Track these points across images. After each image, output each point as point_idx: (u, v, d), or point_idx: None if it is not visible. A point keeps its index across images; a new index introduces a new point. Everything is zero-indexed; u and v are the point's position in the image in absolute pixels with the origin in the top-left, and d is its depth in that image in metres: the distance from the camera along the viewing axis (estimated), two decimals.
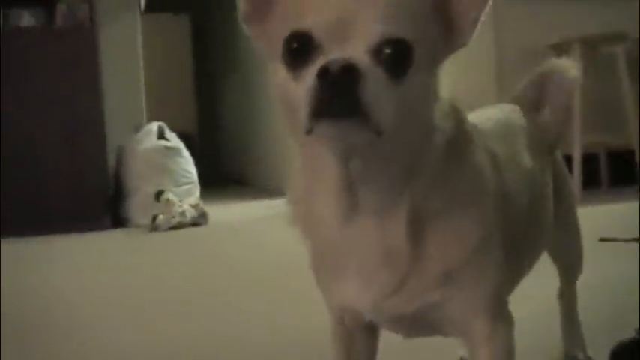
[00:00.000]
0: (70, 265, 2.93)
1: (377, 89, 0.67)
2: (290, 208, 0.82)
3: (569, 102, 1.20)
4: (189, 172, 4.09)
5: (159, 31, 7.63)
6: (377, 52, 0.69)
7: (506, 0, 3.83)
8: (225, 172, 7.55)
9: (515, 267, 0.90)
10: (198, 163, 4.33)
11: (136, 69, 4.44)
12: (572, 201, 1.17)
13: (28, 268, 2.80)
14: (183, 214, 3.69)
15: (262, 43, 0.78)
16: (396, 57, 0.69)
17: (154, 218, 3.67)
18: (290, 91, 0.71)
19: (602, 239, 2.33)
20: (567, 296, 1.26)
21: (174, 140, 4.12)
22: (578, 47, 3.64)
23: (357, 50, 0.69)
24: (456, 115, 0.79)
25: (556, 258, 1.19)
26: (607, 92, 3.88)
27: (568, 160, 3.56)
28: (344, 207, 0.75)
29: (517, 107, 1.12)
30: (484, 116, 1.02)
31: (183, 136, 6.82)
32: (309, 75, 0.67)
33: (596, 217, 2.82)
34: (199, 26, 8.31)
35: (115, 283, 2.44)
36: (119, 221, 3.98)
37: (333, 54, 0.68)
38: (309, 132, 0.67)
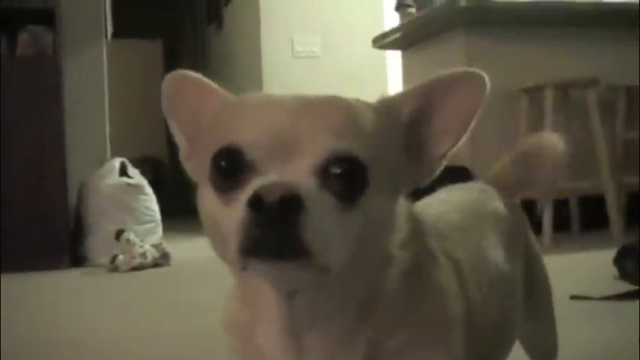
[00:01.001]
0: (25, 305, 2.79)
1: (323, 222, 0.55)
2: (225, 334, 0.71)
3: (557, 178, 1.11)
4: (151, 210, 3.97)
5: (130, 56, 7.55)
6: (323, 172, 0.57)
7: (478, 42, 3.80)
8: (195, 201, 7.42)
9: None
10: (167, 191, 4.23)
11: (100, 102, 4.33)
12: (546, 291, 1.09)
13: None
14: (144, 254, 3.56)
15: (193, 168, 0.68)
16: (347, 178, 0.58)
17: (114, 258, 3.53)
18: (219, 219, 0.59)
19: (573, 297, 2.25)
20: None
21: (137, 177, 4.00)
22: (550, 91, 3.61)
23: (299, 170, 0.57)
24: (416, 232, 0.69)
25: (529, 351, 1.11)
26: (578, 136, 3.85)
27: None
28: (289, 347, 0.64)
29: (489, 188, 1.03)
30: (450, 203, 0.93)
31: (153, 163, 6.73)
32: (240, 202, 0.56)
33: (567, 268, 2.76)
34: (172, 51, 8.23)
35: (70, 326, 2.32)
36: (78, 260, 3.83)
37: (269, 175, 0.56)
38: (243, 269, 0.56)
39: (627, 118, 4.01)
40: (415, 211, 0.73)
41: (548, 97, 3.62)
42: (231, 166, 0.59)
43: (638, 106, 4.03)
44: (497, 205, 0.99)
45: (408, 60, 4.42)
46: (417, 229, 0.71)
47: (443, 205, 0.92)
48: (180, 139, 0.71)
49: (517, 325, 0.93)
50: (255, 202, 0.54)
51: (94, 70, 4.35)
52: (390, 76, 5.34)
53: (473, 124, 0.65)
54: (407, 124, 0.65)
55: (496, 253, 0.88)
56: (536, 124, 3.69)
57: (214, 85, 0.71)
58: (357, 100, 0.64)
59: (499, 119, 3.57)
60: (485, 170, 1.12)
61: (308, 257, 0.54)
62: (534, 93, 3.73)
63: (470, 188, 1.03)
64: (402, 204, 0.68)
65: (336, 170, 0.58)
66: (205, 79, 0.71)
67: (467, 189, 1.03)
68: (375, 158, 0.60)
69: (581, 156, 3.87)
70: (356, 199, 0.58)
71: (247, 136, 0.59)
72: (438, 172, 0.67)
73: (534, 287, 1.00)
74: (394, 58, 5.05)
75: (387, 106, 0.65)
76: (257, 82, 5.31)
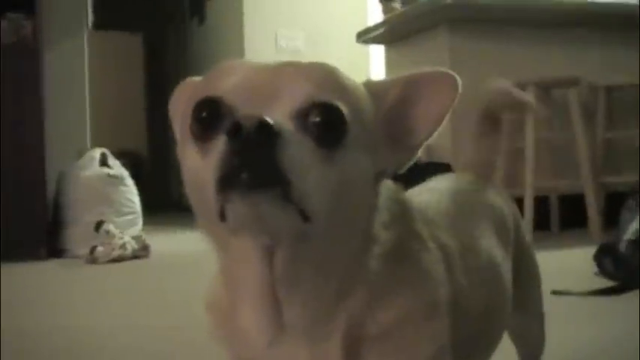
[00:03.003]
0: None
1: (300, 154, 0.56)
2: (207, 314, 0.71)
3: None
4: (132, 202, 3.94)
5: (111, 48, 7.47)
6: (302, 119, 0.58)
7: (461, 40, 3.81)
8: (175, 195, 7.38)
9: None
10: (146, 186, 4.20)
11: (81, 91, 4.29)
12: (536, 281, 1.09)
13: None
14: (123, 246, 3.53)
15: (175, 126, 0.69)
16: (326, 126, 0.59)
17: (93, 249, 3.50)
18: (200, 172, 0.58)
19: (554, 292, 2.27)
20: None
21: (117, 168, 3.96)
22: (533, 90, 3.63)
23: (277, 114, 0.57)
24: (403, 215, 0.70)
25: (516, 341, 1.11)
26: (559, 136, 3.88)
27: (519, 202, 3.54)
28: (269, 324, 0.64)
29: (475, 177, 1.04)
30: (439, 191, 0.93)
31: (133, 157, 6.68)
32: (220, 141, 0.56)
33: (548, 265, 2.77)
34: (153, 45, 8.17)
35: (46, 317, 2.29)
36: (56, 251, 3.79)
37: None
38: (221, 215, 0.55)
39: (607, 118, 4.05)
40: (402, 195, 0.74)
41: (530, 96, 3.63)
42: (210, 114, 0.59)
43: (617, 106, 4.07)
44: (487, 193, 1.00)
45: (391, 55, 4.42)
46: (404, 212, 0.72)
47: (432, 193, 0.92)
48: (177, 138, 0.72)
49: (506, 314, 0.93)
50: (234, 130, 0.54)
51: (74, 60, 4.31)
52: (373, 71, 5.35)
53: (445, 121, 0.69)
54: (386, 109, 0.68)
55: (486, 242, 0.88)
56: (518, 122, 3.71)
57: None
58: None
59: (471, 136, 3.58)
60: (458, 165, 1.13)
61: (286, 188, 0.54)
62: None
63: (459, 177, 1.04)
64: (385, 186, 0.69)
65: (316, 119, 0.59)
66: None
67: (456, 178, 1.03)
68: (355, 116, 0.61)
69: (562, 155, 3.90)
70: (335, 147, 0.59)
71: (227, 84, 0.60)
72: (412, 160, 0.69)
73: (523, 277, 1.00)
74: (378, 53, 5.06)
75: (370, 86, 0.68)
76: None
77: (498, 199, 1.01)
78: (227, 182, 0.54)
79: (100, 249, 3.50)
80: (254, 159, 0.54)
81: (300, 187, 0.55)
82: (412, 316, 0.66)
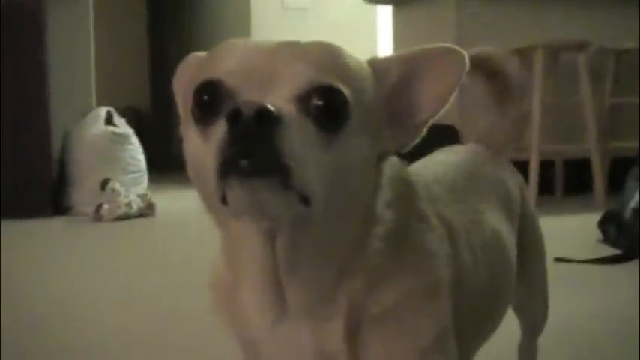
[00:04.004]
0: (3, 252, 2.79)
1: (301, 141, 0.55)
2: (210, 293, 0.71)
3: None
4: (137, 160, 3.94)
5: (112, 3, 7.40)
6: (304, 102, 0.57)
7: (469, 2, 3.76)
8: (178, 152, 7.36)
9: (468, 344, 0.81)
10: (149, 143, 4.18)
11: (86, 49, 4.25)
12: (541, 255, 1.08)
13: None
14: (129, 204, 3.55)
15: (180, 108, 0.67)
16: (328, 109, 0.57)
17: (99, 208, 3.52)
18: (201, 156, 0.58)
19: (557, 259, 2.28)
20: (527, 352, 1.19)
21: (122, 126, 3.96)
22: (541, 53, 3.60)
23: (278, 98, 0.56)
24: (406, 194, 0.69)
25: (519, 314, 1.12)
26: (567, 99, 3.86)
27: (525, 166, 3.54)
28: (271, 305, 0.64)
29: (483, 150, 1.03)
30: (446, 165, 0.93)
31: (135, 113, 6.67)
32: (220, 126, 0.55)
33: (552, 231, 2.78)
34: (157, 2, 8.08)
35: (49, 273, 2.33)
36: (61, 209, 3.80)
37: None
38: (222, 199, 0.55)
39: (615, 83, 4.02)
40: (406, 173, 0.73)
41: (538, 59, 3.60)
42: (211, 97, 0.59)
43: (627, 70, 4.04)
44: (495, 167, 0.99)
45: (398, 16, 4.37)
46: (408, 190, 0.71)
47: (438, 166, 0.91)
48: (181, 116, 0.71)
49: (510, 290, 0.92)
50: (234, 115, 0.53)
51: (79, 19, 4.26)
52: (380, 32, 5.30)
53: (451, 99, 0.67)
54: (390, 87, 0.66)
55: (491, 217, 0.88)
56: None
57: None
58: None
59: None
60: (472, 130, 1.11)
61: (286, 175, 0.53)
62: (524, 54, 3.71)
63: (467, 150, 1.03)
64: (389, 164, 0.68)
65: (318, 102, 0.57)
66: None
67: (464, 151, 1.02)
68: (357, 97, 0.60)
69: (569, 119, 3.89)
70: (337, 131, 0.58)
71: (226, 66, 0.59)
72: (417, 139, 0.67)
73: (527, 252, 1.00)
74: (385, 14, 5.00)
75: (374, 63, 0.66)
76: (245, 36, 5.24)
77: (505, 172, 1.00)
78: (227, 168, 0.53)
79: (105, 207, 3.52)
80: (253, 146, 0.53)
81: (300, 173, 0.54)
82: (413, 296, 0.66)
